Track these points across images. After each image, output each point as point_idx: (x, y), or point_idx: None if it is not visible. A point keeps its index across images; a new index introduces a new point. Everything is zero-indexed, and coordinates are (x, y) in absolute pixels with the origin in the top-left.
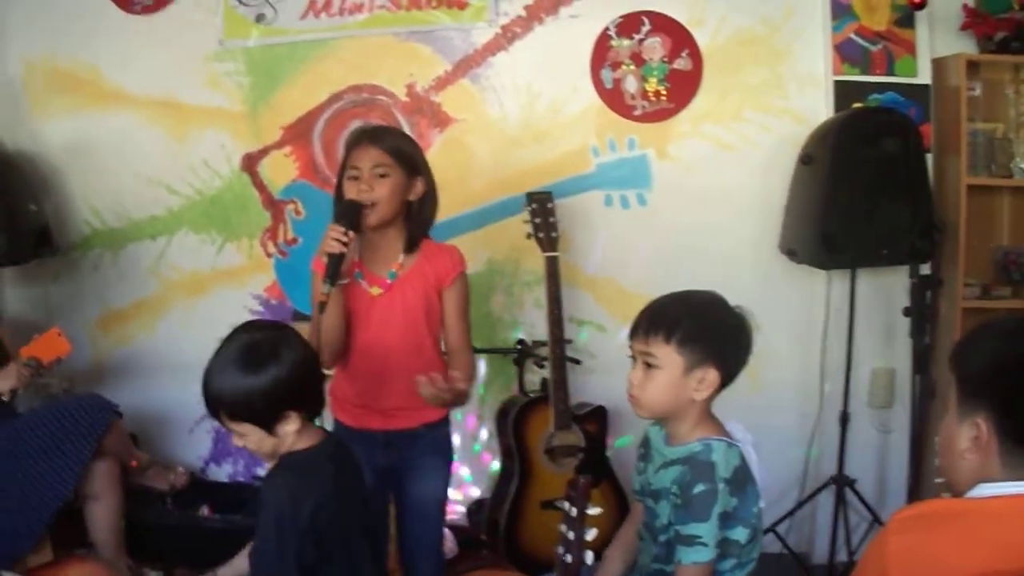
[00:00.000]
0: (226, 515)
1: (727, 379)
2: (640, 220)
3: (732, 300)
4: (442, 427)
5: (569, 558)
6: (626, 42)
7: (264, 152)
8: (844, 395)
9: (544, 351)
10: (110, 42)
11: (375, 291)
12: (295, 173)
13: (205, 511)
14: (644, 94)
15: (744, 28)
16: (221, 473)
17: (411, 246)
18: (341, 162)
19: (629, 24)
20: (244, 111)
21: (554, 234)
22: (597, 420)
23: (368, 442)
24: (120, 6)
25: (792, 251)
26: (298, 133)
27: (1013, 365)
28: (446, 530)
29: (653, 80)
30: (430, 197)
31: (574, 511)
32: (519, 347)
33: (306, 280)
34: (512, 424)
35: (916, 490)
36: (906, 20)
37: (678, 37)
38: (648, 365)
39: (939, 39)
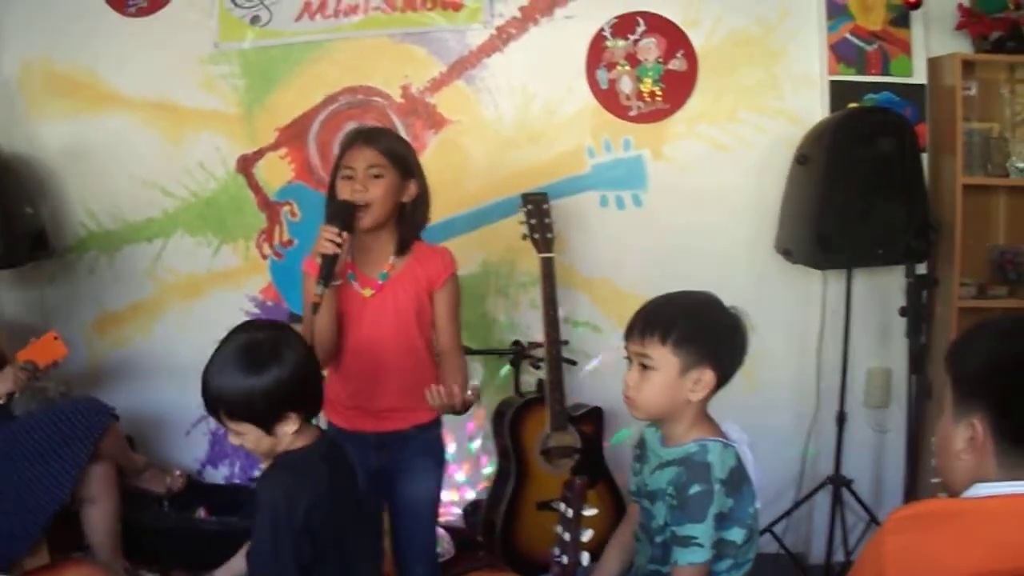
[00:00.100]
0: (223, 517)
1: (723, 380)
2: (636, 221)
3: (728, 300)
4: (433, 428)
5: (565, 559)
6: (621, 43)
7: (259, 154)
8: (840, 395)
9: (540, 352)
10: (106, 44)
11: (367, 292)
12: (290, 175)
13: (202, 513)
14: (639, 95)
15: (739, 29)
16: (218, 475)
17: (402, 248)
18: (335, 162)
19: (624, 25)
20: (239, 113)
21: (549, 235)
22: (593, 421)
23: (360, 444)
24: (115, 8)
25: (788, 251)
26: (293, 135)
27: (1009, 365)
28: (442, 531)
29: (648, 81)
30: (422, 200)
31: (570, 512)
32: (515, 348)
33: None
34: (508, 425)
35: (913, 490)
36: (901, 20)
37: (673, 38)
38: (644, 366)
39: (934, 39)
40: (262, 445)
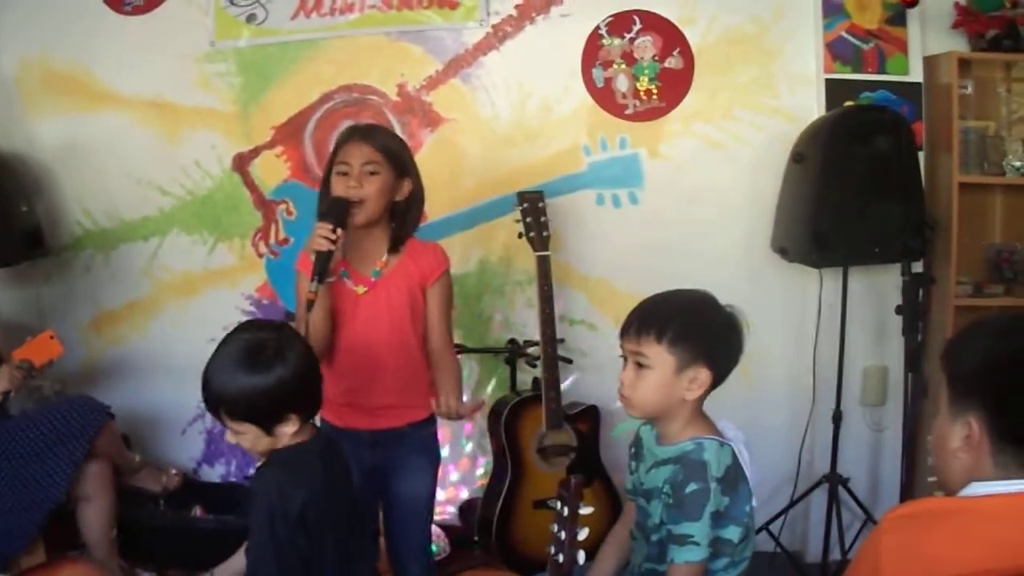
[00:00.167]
0: (219, 516)
1: (719, 378)
2: (632, 219)
3: (723, 299)
4: (428, 426)
5: (561, 558)
6: (617, 41)
7: (255, 152)
8: (836, 393)
9: (536, 350)
10: (102, 43)
11: (360, 289)
12: (286, 173)
13: (198, 512)
14: (635, 93)
15: (735, 27)
16: (214, 474)
17: (395, 246)
18: (329, 157)
19: (620, 23)
20: (235, 111)
21: (545, 233)
22: (589, 419)
23: (355, 442)
24: (111, 7)
25: (784, 249)
26: (289, 133)
27: (1005, 364)
28: (438, 530)
29: (644, 79)
30: (416, 200)
31: (566, 510)
32: (510, 346)
33: None
34: (504, 423)
35: (909, 488)
36: (898, 18)
37: (669, 36)
38: (639, 365)
39: (930, 37)
40: (260, 444)
